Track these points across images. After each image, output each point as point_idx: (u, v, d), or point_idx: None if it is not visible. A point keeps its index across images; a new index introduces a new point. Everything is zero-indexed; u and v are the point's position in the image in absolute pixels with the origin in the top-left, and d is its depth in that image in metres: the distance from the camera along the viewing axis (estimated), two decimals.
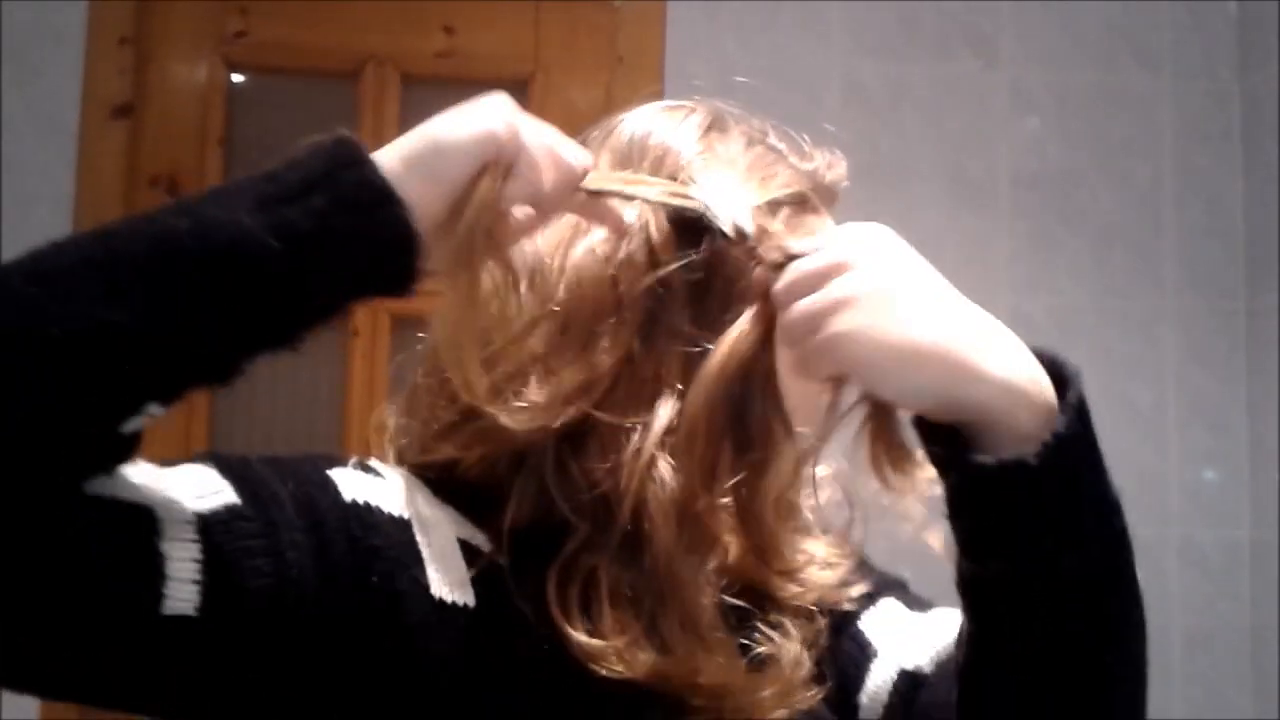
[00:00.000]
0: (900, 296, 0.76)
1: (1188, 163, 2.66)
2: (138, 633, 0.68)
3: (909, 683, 0.91)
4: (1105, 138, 2.65)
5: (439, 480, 0.85)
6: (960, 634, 0.83)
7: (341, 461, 0.81)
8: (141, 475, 0.71)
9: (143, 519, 0.68)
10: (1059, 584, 0.75)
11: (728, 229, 0.83)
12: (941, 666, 0.90)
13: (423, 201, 0.74)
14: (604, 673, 0.78)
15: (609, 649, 0.79)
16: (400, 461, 0.87)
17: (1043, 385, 0.76)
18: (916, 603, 0.97)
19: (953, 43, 2.64)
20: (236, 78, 2.55)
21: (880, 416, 0.80)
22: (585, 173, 0.82)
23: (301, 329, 0.73)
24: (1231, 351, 2.63)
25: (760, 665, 0.85)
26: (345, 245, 0.71)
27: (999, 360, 0.75)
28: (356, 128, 2.52)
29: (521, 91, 2.51)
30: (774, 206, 0.87)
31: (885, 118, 2.60)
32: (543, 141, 0.80)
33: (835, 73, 2.60)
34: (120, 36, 2.44)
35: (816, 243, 0.81)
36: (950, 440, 0.76)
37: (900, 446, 0.80)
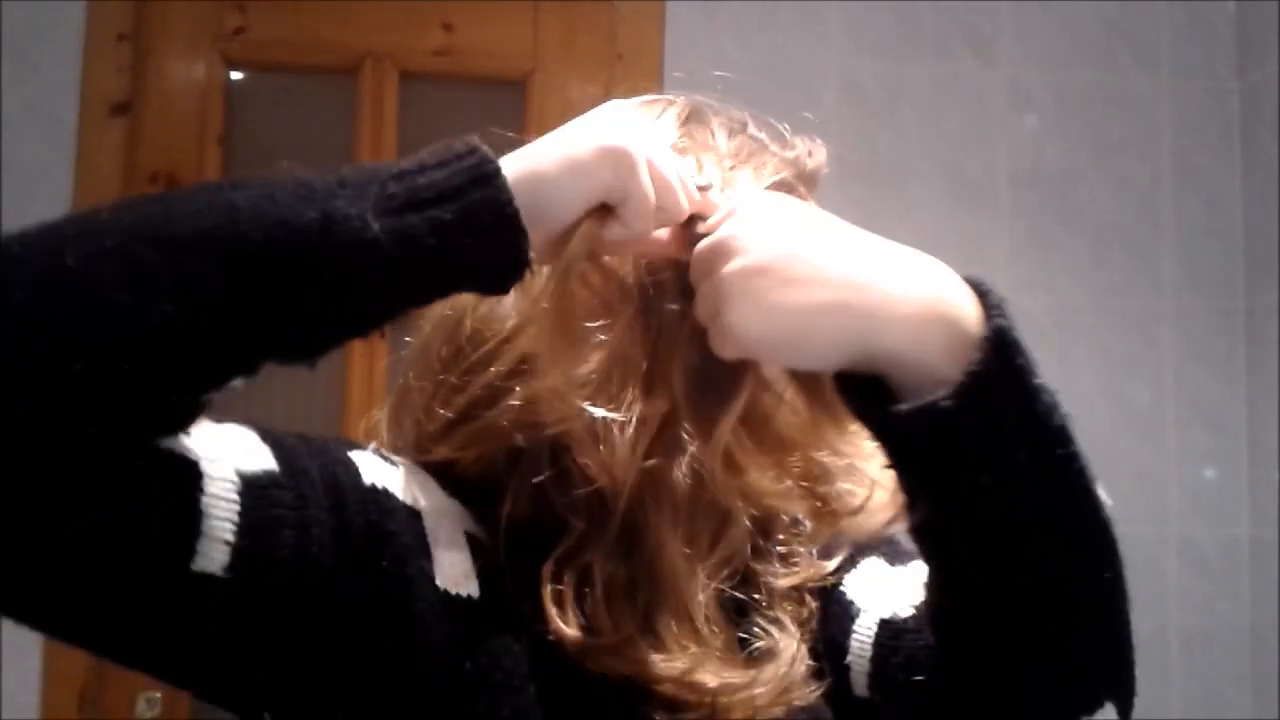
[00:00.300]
0: (783, 266, 0.74)
1: (1186, 162, 2.66)
2: (164, 584, 0.68)
3: (889, 631, 0.88)
4: (1104, 137, 2.65)
5: (442, 475, 0.85)
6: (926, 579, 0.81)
7: (362, 445, 0.82)
8: (193, 429, 0.71)
9: (188, 471, 0.69)
10: (997, 523, 0.73)
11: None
12: (922, 611, 0.87)
13: (535, 229, 0.74)
14: (595, 669, 0.79)
15: (603, 646, 0.79)
16: None
17: (959, 321, 0.73)
18: (898, 556, 0.94)
19: (951, 42, 2.64)
20: (235, 75, 2.55)
21: (805, 384, 0.81)
22: (685, 218, 0.81)
23: (390, 321, 0.74)
24: (1230, 350, 2.63)
25: (758, 660, 0.84)
26: (461, 260, 0.72)
27: (902, 305, 0.73)
28: (355, 125, 2.54)
29: (520, 89, 2.51)
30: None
31: (884, 117, 2.60)
32: (656, 185, 0.79)
33: (834, 72, 2.60)
34: (118, 33, 2.44)
35: (719, 216, 0.80)
36: (873, 390, 0.74)
37: (834, 408, 0.80)
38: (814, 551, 0.94)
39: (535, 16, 2.57)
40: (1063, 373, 2.57)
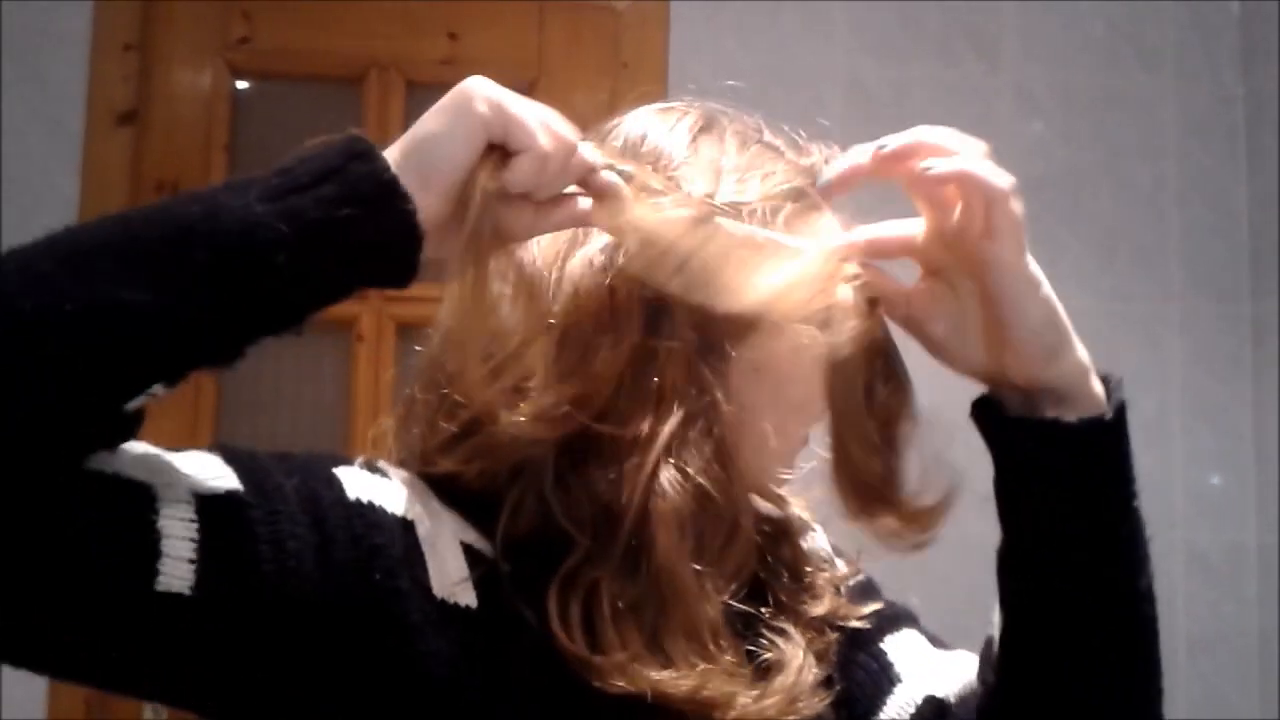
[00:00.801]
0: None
1: (1191, 164, 2.66)
2: (130, 607, 0.68)
3: (935, 709, 0.92)
4: (1108, 140, 2.65)
5: (443, 485, 0.85)
6: (987, 654, 0.90)
7: (348, 461, 0.82)
8: (145, 455, 0.72)
9: (141, 495, 0.69)
10: (1128, 534, 0.85)
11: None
12: (964, 701, 0.92)
13: (420, 199, 0.75)
14: (602, 686, 0.78)
15: (610, 664, 0.78)
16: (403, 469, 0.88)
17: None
18: (937, 641, 0.99)
19: (956, 45, 2.64)
20: (241, 84, 2.55)
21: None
22: (577, 144, 0.83)
23: (304, 314, 0.74)
24: (1236, 355, 2.62)
25: (765, 672, 0.84)
26: (351, 235, 0.72)
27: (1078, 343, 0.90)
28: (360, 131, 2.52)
29: (526, 96, 2.51)
30: (775, 207, 0.87)
31: (888, 120, 2.57)
32: (533, 113, 0.81)
33: (838, 75, 2.60)
34: (125, 43, 2.45)
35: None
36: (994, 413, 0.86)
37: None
38: (842, 590, 0.95)
39: (540, 23, 2.57)
40: None
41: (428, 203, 0.75)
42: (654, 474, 0.81)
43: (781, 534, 0.94)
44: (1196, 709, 2.52)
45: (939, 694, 0.92)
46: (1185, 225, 2.65)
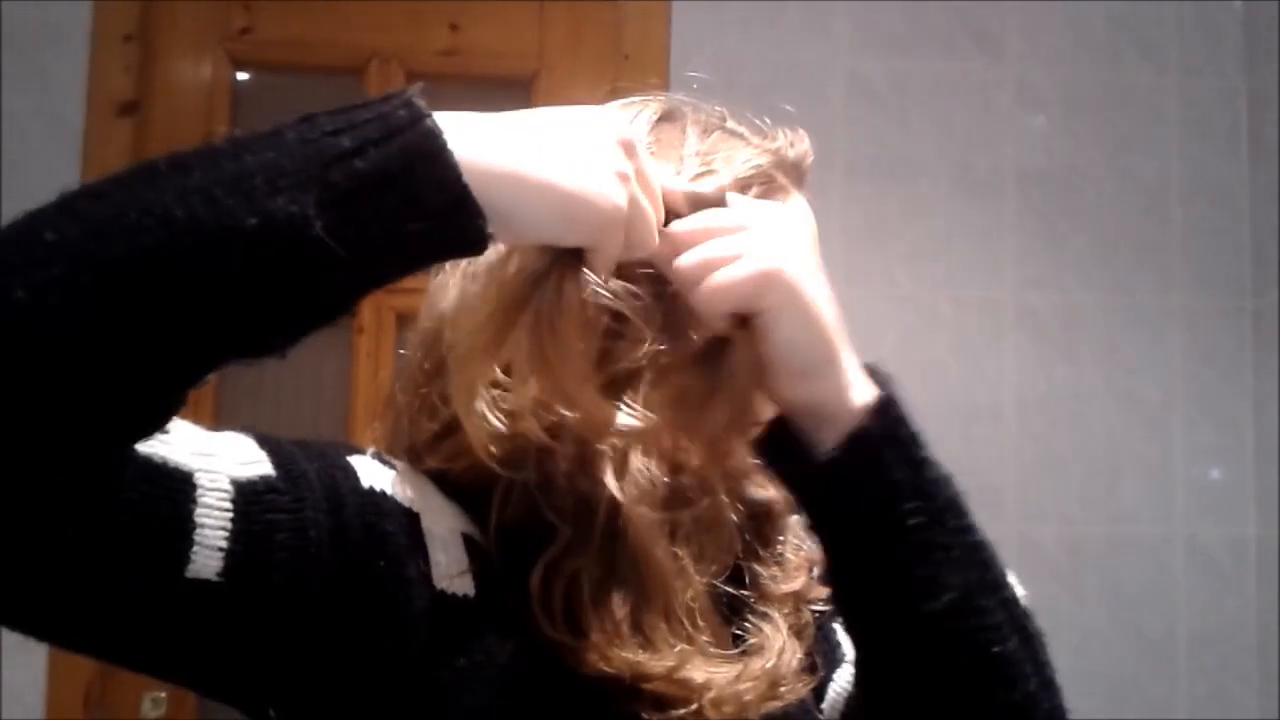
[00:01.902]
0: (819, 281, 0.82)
1: (1194, 160, 2.66)
2: (158, 591, 0.69)
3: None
4: (1111, 135, 2.65)
5: (439, 479, 0.86)
6: None
7: (361, 450, 0.83)
8: (188, 437, 0.72)
9: (183, 482, 0.69)
10: (904, 555, 0.80)
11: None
12: None
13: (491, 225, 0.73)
14: (584, 670, 0.80)
15: (589, 647, 0.80)
16: None
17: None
18: None
19: (959, 40, 2.63)
20: (241, 75, 2.55)
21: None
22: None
23: (351, 306, 0.72)
24: (1238, 349, 2.62)
25: (746, 655, 0.85)
26: (415, 250, 0.71)
27: (852, 364, 0.83)
28: None
29: (526, 89, 2.51)
30: (741, 187, 0.87)
31: (891, 114, 2.60)
32: (642, 216, 0.79)
33: (841, 69, 2.59)
34: (125, 34, 2.44)
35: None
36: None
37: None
38: (815, 571, 0.95)
39: (541, 16, 2.57)
40: (1069, 371, 2.57)
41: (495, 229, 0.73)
42: (624, 460, 0.82)
43: (765, 515, 0.95)
44: (1197, 703, 2.52)
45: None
46: (1187, 220, 2.65)
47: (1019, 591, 0.84)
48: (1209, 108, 2.67)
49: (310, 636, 0.75)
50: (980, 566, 0.81)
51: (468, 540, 0.83)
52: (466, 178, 0.70)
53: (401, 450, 0.88)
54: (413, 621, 0.78)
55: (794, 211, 0.89)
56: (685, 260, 0.81)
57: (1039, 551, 2.47)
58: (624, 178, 0.76)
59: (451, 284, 0.86)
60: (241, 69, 2.55)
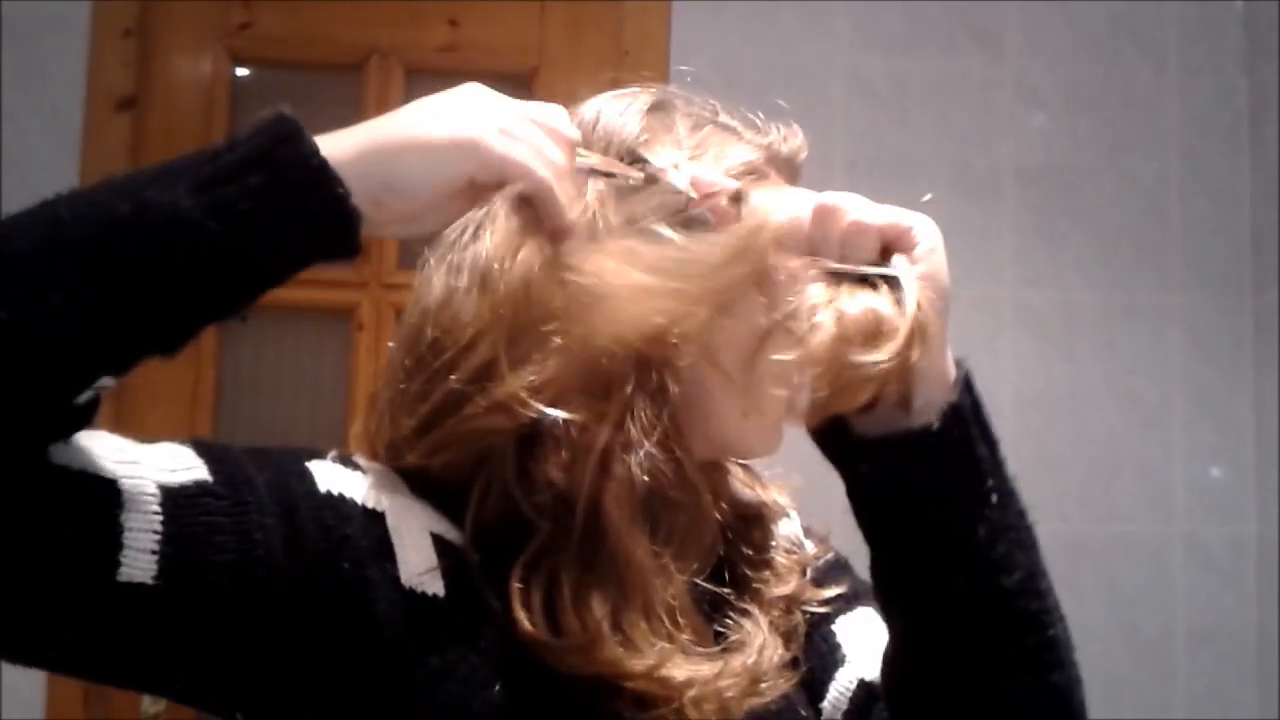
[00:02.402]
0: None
1: (1194, 158, 2.66)
2: (92, 598, 0.69)
3: (865, 694, 0.92)
4: (1111, 133, 2.64)
5: (414, 476, 0.86)
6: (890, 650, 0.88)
7: (321, 454, 0.83)
8: (112, 448, 0.73)
9: (105, 489, 0.70)
10: (986, 534, 0.81)
11: (683, 186, 0.85)
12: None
13: (370, 211, 0.76)
14: (567, 669, 0.80)
15: (569, 647, 0.80)
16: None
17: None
18: None
19: (958, 38, 2.63)
20: (241, 70, 2.55)
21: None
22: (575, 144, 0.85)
23: (247, 299, 0.75)
24: (1237, 347, 2.62)
25: (729, 653, 0.85)
26: (282, 222, 0.73)
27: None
28: (361, 121, 2.52)
29: (525, 86, 2.51)
30: (734, 178, 0.87)
31: (891, 113, 2.60)
32: (526, 144, 0.82)
33: (841, 67, 2.59)
34: (124, 29, 2.44)
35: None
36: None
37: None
38: (809, 572, 0.96)
39: (541, 13, 2.57)
40: (1069, 370, 2.57)
41: (376, 215, 0.76)
42: (604, 458, 0.82)
43: (754, 518, 0.95)
44: (1196, 701, 2.52)
45: (868, 678, 0.93)
46: (1187, 218, 2.64)
47: None
48: (1209, 106, 2.67)
49: (272, 639, 0.75)
50: (1036, 551, 0.84)
51: (438, 539, 0.83)
52: (329, 158, 0.74)
53: (383, 446, 0.88)
54: (380, 622, 0.78)
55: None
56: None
57: None
58: (504, 125, 0.80)
59: (435, 279, 0.86)
60: (241, 65, 2.55)
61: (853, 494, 0.84)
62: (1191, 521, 2.58)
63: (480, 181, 0.80)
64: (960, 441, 0.81)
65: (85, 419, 0.71)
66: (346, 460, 0.84)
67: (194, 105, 2.49)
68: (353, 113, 2.49)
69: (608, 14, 2.56)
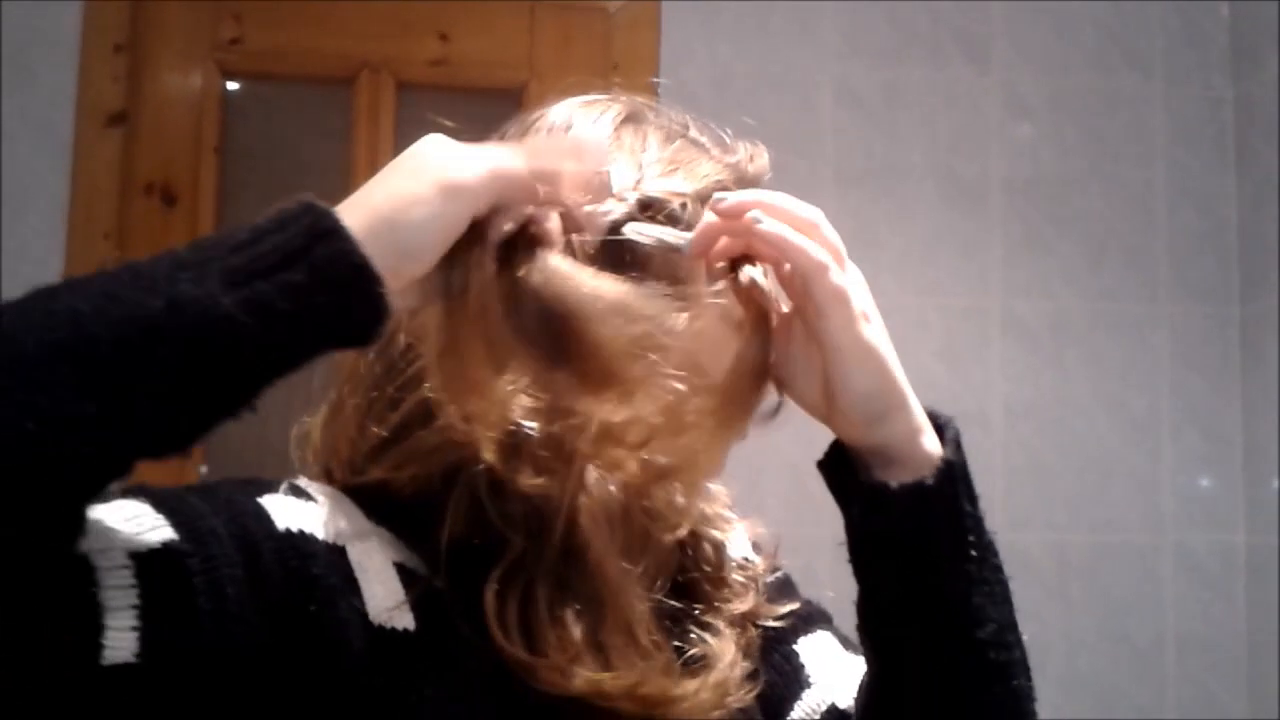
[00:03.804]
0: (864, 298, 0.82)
1: (1181, 167, 2.67)
2: (81, 687, 0.66)
3: (835, 717, 0.92)
4: (1098, 142, 2.66)
5: (371, 501, 0.83)
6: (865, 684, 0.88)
7: (272, 486, 0.80)
8: None
9: (79, 568, 0.66)
10: (961, 590, 0.82)
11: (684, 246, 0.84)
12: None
13: (390, 282, 0.72)
14: (544, 688, 0.78)
15: (549, 666, 0.78)
16: (329, 481, 0.86)
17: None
18: (848, 643, 0.97)
19: (946, 47, 2.64)
20: (231, 85, 2.55)
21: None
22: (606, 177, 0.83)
23: (259, 393, 0.71)
24: (1226, 356, 2.63)
25: (695, 667, 0.85)
26: (323, 320, 0.70)
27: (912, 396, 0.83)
28: (351, 135, 2.54)
29: (516, 98, 2.51)
30: (700, 200, 0.86)
31: (878, 122, 2.61)
32: (494, 153, 0.78)
33: (829, 77, 2.60)
34: (115, 43, 2.44)
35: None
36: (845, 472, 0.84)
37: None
38: (760, 587, 0.95)
39: (531, 25, 2.57)
40: (1057, 379, 2.58)
41: (394, 285, 0.72)
42: (581, 470, 0.80)
43: (705, 533, 0.94)
44: (1185, 710, 2.53)
45: (841, 705, 0.92)
46: (1174, 227, 2.66)
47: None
48: (1195, 115, 2.69)
49: (249, 691, 0.72)
50: (1009, 605, 0.84)
51: (401, 569, 0.81)
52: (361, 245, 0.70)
53: (340, 464, 0.85)
54: (354, 661, 0.75)
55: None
56: (767, 195, 0.82)
57: (1027, 559, 2.47)
58: (465, 154, 0.76)
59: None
60: (231, 79, 2.55)
61: (846, 530, 0.84)
62: (1180, 530, 2.59)
63: (478, 218, 0.77)
64: (950, 498, 0.82)
65: (84, 522, 0.67)
66: (299, 491, 0.81)
67: (185, 120, 2.49)
68: (344, 127, 2.51)
69: (597, 25, 2.57)
